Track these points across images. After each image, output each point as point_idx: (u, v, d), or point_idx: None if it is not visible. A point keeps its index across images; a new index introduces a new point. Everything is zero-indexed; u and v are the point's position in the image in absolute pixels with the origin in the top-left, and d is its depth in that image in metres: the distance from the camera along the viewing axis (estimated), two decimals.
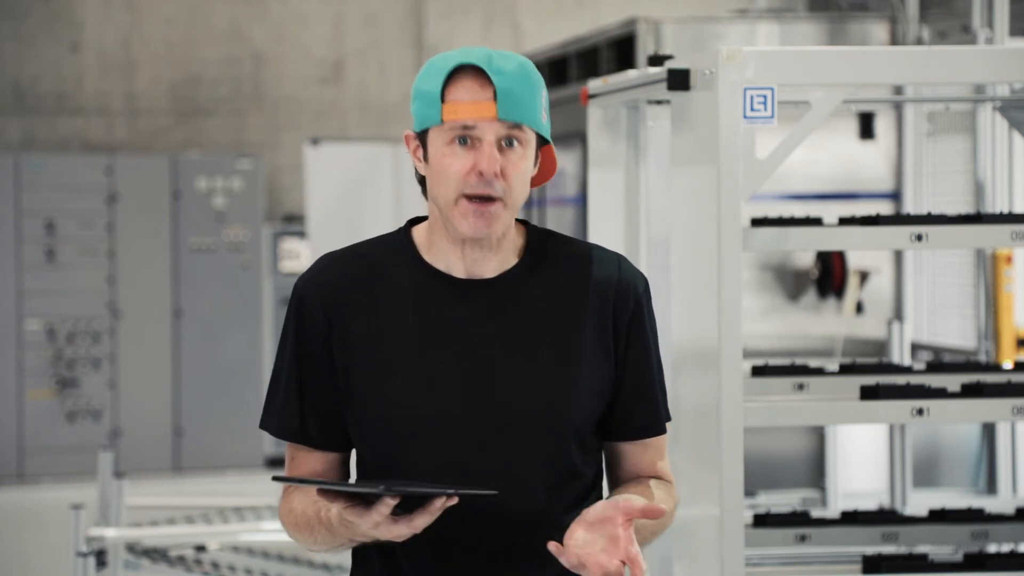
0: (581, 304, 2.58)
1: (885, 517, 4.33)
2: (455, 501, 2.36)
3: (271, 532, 5.99)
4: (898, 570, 4.05)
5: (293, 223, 11.05)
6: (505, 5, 11.66)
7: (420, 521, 2.36)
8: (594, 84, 4.58)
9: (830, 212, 4.13)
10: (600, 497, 2.62)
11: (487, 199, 2.50)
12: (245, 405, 10.33)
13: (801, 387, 4.10)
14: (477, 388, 2.53)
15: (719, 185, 3.60)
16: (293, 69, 11.45)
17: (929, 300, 6.76)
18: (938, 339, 6.68)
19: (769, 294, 6.71)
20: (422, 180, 2.61)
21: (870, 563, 4.07)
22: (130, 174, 10.50)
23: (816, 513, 4.48)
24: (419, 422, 2.53)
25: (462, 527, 2.50)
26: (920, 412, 3.81)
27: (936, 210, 6.05)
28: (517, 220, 2.62)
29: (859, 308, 6.70)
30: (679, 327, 3.88)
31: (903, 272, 6.75)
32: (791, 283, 6.73)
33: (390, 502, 2.34)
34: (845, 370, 4.18)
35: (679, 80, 3.74)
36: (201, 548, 6.14)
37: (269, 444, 10.35)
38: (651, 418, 2.64)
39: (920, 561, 4.07)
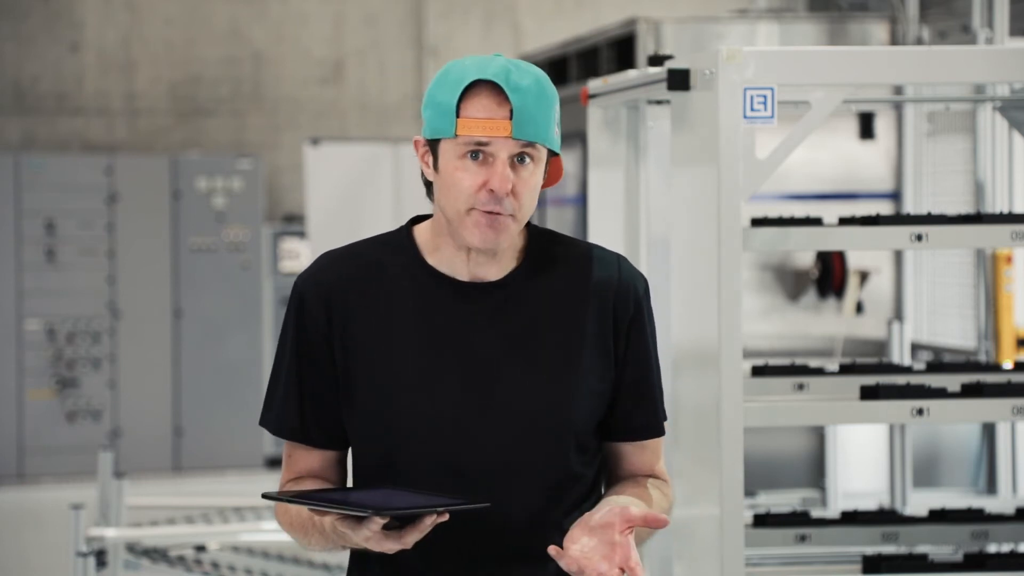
0: (581, 305, 2.58)
1: (885, 517, 4.33)
2: (446, 518, 2.36)
3: (271, 532, 5.99)
4: (898, 570, 4.05)
5: (293, 223, 11.04)
6: (505, 5, 11.66)
7: (410, 538, 2.37)
8: (594, 84, 4.58)
9: (830, 212, 4.13)
10: (599, 499, 2.62)
11: (496, 212, 2.50)
12: (245, 405, 10.33)
13: (801, 387, 4.10)
14: (477, 389, 2.53)
15: (719, 185, 3.60)
16: (293, 69, 11.45)
17: (929, 300, 6.76)
18: (938, 339, 6.68)
19: (769, 294, 6.71)
20: (428, 183, 2.61)
21: (870, 563, 4.07)
22: (130, 174, 10.50)
23: (816, 513, 4.48)
24: (418, 423, 2.53)
25: (461, 528, 2.50)
26: (920, 412, 3.81)
27: (936, 210, 6.05)
28: None
29: (859, 308, 6.70)
30: (679, 327, 3.88)
31: (903, 272, 6.75)
32: (791, 283, 6.73)
33: (379, 521, 2.34)
34: (845, 370, 4.18)
35: (679, 80, 3.74)
36: (201, 548, 6.14)
37: (269, 444, 10.35)
38: (650, 419, 2.64)
39: (920, 561, 4.07)
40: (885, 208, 6.67)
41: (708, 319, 3.65)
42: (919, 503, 6.07)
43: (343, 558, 6.16)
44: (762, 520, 4.21)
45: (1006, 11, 6.26)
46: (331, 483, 2.64)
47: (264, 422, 2.65)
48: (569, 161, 7.21)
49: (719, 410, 3.61)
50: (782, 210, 4.26)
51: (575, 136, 6.60)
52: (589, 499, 2.60)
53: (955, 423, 6.38)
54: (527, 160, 2.52)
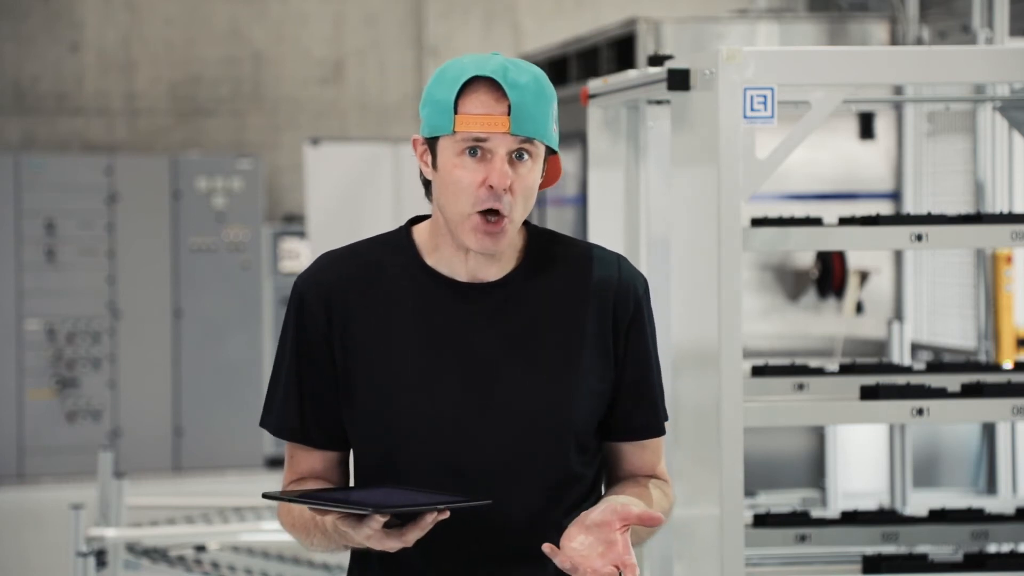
0: (581, 305, 2.58)
1: (885, 517, 4.33)
2: (446, 515, 2.36)
3: (271, 532, 5.99)
4: (898, 570, 4.05)
5: (293, 223, 11.05)
6: (505, 5, 11.66)
7: (411, 536, 2.37)
8: (594, 84, 4.58)
9: (830, 212, 4.13)
10: (599, 499, 2.62)
11: (496, 216, 2.49)
12: (245, 405, 10.33)
13: (801, 387, 4.10)
14: (477, 390, 2.53)
15: (719, 185, 3.60)
16: (293, 69, 11.45)
17: (929, 300, 6.76)
18: (938, 339, 6.68)
19: (769, 294, 6.71)
20: (427, 182, 2.61)
21: (870, 563, 4.07)
22: (130, 174, 10.50)
23: (816, 513, 4.48)
24: (418, 423, 2.53)
25: (461, 528, 2.50)
26: (920, 412, 3.81)
27: (936, 210, 6.05)
28: None
29: (859, 308, 6.70)
30: (679, 327, 3.88)
31: (903, 272, 6.75)
32: (791, 283, 6.73)
33: (380, 519, 2.34)
34: (845, 370, 4.18)
35: (679, 80, 3.74)
36: (201, 548, 6.14)
37: (269, 444, 10.35)
38: (650, 419, 2.64)
39: (920, 561, 4.06)
40: (885, 208, 6.67)
41: (708, 319, 3.65)
42: (919, 503, 6.07)
43: (343, 558, 6.16)
44: (762, 520, 4.21)
45: (1006, 11, 6.26)
46: (333, 484, 2.64)
47: (264, 423, 2.65)
48: (569, 161, 7.21)
49: (719, 410, 3.61)
50: (782, 210, 4.26)
51: (575, 136, 6.59)
52: (589, 499, 2.60)
53: (955, 423, 6.38)
54: (525, 157, 2.52)
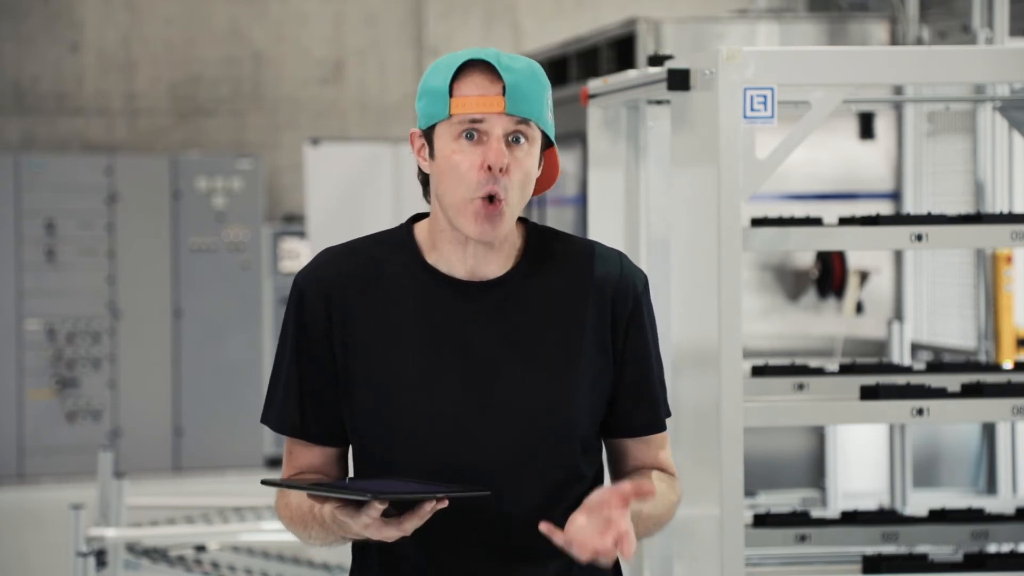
0: (581, 303, 2.57)
1: (885, 517, 4.33)
2: (445, 504, 2.36)
3: (271, 532, 6.00)
4: (898, 570, 4.05)
5: (293, 223, 11.05)
6: (505, 5, 11.66)
7: (410, 524, 2.37)
8: (594, 84, 4.58)
9: (830, 212, 4.13)
10: None
11: (495, 200, 2.50)
12: (245, 405, 10.33)
13: (801, 387, 4.09)
14: (477, 388, 2.53)
15: (719, 185, 3.60)
16: (293, 69, 11.45)
17: (929, 300, 6.76)
18: (938, 339, 6.68)
19: (769, 294, 6.72)
20: (424, 180, 2.60)
21: (870, 563, 4.07)
22: (130, 174, 10.50)
23: (816, 513, 4.48)
24: (418, 421, 2.53)
25: (462, 528, 2.50)
26: (920, 412, 3.81)
27: (936, 210, 6.05)
28: (517, 218, 2.61)
29: (859, 308, 6.70)
30: (679, 327, 3.88)
31: (903, 272, 6.76)
32: (791, 283, 6.73)
33: (379, 506, 2.34)
34: (845, 370, 4.18)
35: (679, 80, 3.74)
36: (201, 548, 6.14)
37: (269, 444, 10.35)
38: (651, 416, 2.63)
39: (920, 561, 4.06)
40: (885, 208, 6.67)
41: (708, 319, 3.65)
42: (919, 503, 6.07)
43: (343, 558, 6.17)
44: (762, 520, 4.21)
45: (1006, 11, 6.26)
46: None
47: (265, 419, 2.65)
48: (569, 161, 7.21)
49: (719, 410, 3.61)
50: (782, 210, 4.26)
51: (575, 136, 6.60)
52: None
53: (955, 423, 6.38)
54: (522, 140, 2.52)
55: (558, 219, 7.62)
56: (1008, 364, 4.76)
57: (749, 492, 5.33)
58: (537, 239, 2.62)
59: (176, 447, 10.43)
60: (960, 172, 6.54)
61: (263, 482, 2.49)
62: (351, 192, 10.41)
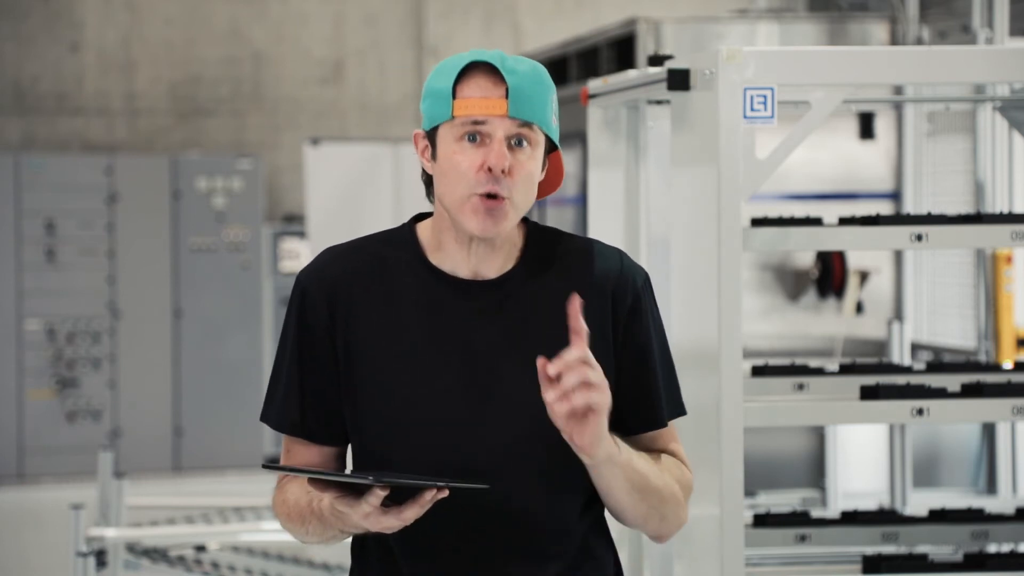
0: (582, 300, 2.57)
1: (885, 517, 4.33)
2: (445, 494, 2.36)
3: (271, 532, 6.00)
4: (898, 570, 4.05)
5: (293, 223, 11.05)
6: (505, 5, 11.66)
7: (410, 513, 2.36)
8: (594, 84, 4.58)
9: (830, 212, 4.13)
10: (600, 498, 2.61)
11: (495, 197, 2.50)
12: (245, 405, 10.33)
13: (801, 387, 4.09)
14: (478, 387, 2.53)
15: (719, 185, 3.60)
16: (293, 69, 11.45)
17: (929, 300, 6.76)
18: (938, 339, 6.69)
19: (769, 294, 6.72)
20: (428, 181, 2.61)
21: (870, 563, 4.07)
22: (130, 174, 10.50)
23: (816, 513, 4.48)
24: (419, 419, 2.53)
25: (461, 526, 2.50)
26: (920, 412, 3.81)
27: (936, 210, 6.05)
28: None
29: (859, 308, 6.70)
30: (679, 327, 3.88)
31: (903, 272, 6.76)
32: (791, 283, 6.73)
33: (380, 493, 2.33)
34: (845, 370, 4.18)
35: (679, 80, 3.74)
36: (201, 548, 6.14)
37: (269, 444, 10.35)
38: (651, 412, 2.62)
39: (920, 561, 4.06)
40: (885, 208, 6.67)
41: (708, 319, 3.65)
42: (919, 503, 6.07)
43: (343, 558, 6.17)
44: (762, 520, 4.21)
45: (1006, 11, 6.26)
46: None
47: (265, 417, 2.65)
48: (569, 161, 7.21)
49: (719, 410, 3.61)
50: (782, 210, 4.26)
51: (575, 136, 6.60)
52: (590, 496, 2.59)
53: (955, 423, 6.38)
54: (524, 144, 2.52)
55: (558, 219, 7.62)
56: (1008, 364, 4.76)
57: (749, 492, 5.34)
58: (538, 238, 2.62)
59: (176, 447, 10.43)
60: (960, 172, 6.54)
61: (264, 465, 2.49)
62: (351, 192, 10.42)
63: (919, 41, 6.77)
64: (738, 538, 3.63)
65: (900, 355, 6.56)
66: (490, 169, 2.49)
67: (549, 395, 2.33)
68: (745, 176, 3.62)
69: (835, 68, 3.70)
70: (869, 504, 6.16)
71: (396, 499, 2.36)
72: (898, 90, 5.54)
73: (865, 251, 6.60)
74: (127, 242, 10.44)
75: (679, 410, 2.68)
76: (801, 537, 4.18)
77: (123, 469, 7.94)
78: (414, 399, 2.53)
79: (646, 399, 2.62)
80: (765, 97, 3.61)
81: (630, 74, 4.34)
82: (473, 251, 2.56)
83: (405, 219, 2.69)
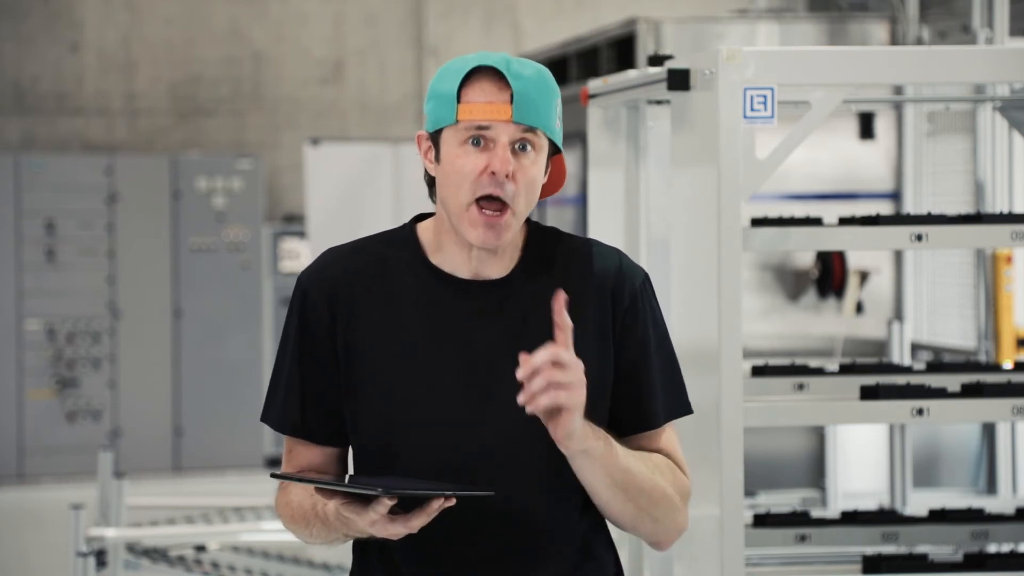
0: (582, 301, 2.57)
1: (885, 517, 4.33)
2: (453, 503, 2.36)
3: (271, 532, 6.00)
4: (898, 570, 4.05)
5: (293, 223, 11.05)
6: (505, 5, 11.66)
7: (417, 521, 2.36)
8: (594, 84, 4.58)
9: (830, 212, 4.13)
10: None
11: (497, 204, 2.49)
12: (245, 405, 10.33)
13: (801, 387, 4.09)
14: (479, 388, 2.53)
15: (719, 185, 3.60)
16: (293, 69, 11.45)
17: (929, 300, 6.76)
18: (938, 339, 6.69)
19: (769, 294, 6.72)
20: (431, 182, 2.61)
21: (870, 563, 4.07)
22: (130, 174, 10.50)
23: (816, 513, 4.48)
24: (420, 420, 2.53)
25: (461, 526, 2.50)
26: (920, 412, 3.81)
27: (936, 210, 6.05)
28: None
29: (859, 308, 6.70)
30: (679, 327, 3.88)
31: (903, 272, 6.76)
32: (791, 283, 6.73)
33: (387, 502, 2.34)
34: (845, 370, 4.18)
35: (679, 80, 3.74)
36: (201, 548, 6.14)
37: (269, 444, 10.35)
38: (647, 411, 2.61)
39: (920, 561, 4.06)
40: (885, 208, 6.67)
41: (708, 319, 3.65)
42: (919, 503, 6.07)
43: (343, 558, 6.16)
44: (762, 520, 4.21)
45: (1006, 11, 6.26)
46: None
47: (265, 418, 2.65)
48: (569, 161, 7.20)
49: (719, 410, 3.61)
50: (782, 210, 4.26)
51: (575, 136, 6.59)
52: (591, 498, 2.58)
53: (955, 423, 6.38)
54: (528, 148, 2.52)
55: (558, 219, 7.62)
56: (1008, 364, 4.76)
57: (749, 492, 5.33)
58: (539, 239, 2.63)
59: (176, 447, 10.43)
60: (960, 172, 6.54)
61: (272, 475, 2.49)
62: (351, 192, 10.42)
63: (919, 41, 6.77)
64: (738, 538, 3.63)
65: (900, 355, 6.56)
66: (493, 173, 2.49)
67: (520, 397, 2.33)
68: (745, 176, 3.62)
69: (835, 68, 3.70)
70: (869, 504, 6.16)
71: (403, 506, 2.37)
72: (898, 90, 5.54)
73: (865, 251, 6.60)
74: (127, 242, 10.44)
75: (683, 410, 2.67)
76: (801, 537, 4.18)
77: (123, 469, 7.94)
78: (414, 399, 2.53)
79: (639, 400, 2.61)
80: (765, 97, 3.61)
81: (630, 74, 4.34)
82: (474, 254, 2.57)
83: (405, 219, 2.69)
